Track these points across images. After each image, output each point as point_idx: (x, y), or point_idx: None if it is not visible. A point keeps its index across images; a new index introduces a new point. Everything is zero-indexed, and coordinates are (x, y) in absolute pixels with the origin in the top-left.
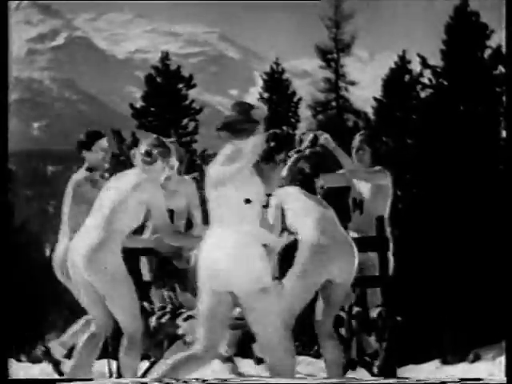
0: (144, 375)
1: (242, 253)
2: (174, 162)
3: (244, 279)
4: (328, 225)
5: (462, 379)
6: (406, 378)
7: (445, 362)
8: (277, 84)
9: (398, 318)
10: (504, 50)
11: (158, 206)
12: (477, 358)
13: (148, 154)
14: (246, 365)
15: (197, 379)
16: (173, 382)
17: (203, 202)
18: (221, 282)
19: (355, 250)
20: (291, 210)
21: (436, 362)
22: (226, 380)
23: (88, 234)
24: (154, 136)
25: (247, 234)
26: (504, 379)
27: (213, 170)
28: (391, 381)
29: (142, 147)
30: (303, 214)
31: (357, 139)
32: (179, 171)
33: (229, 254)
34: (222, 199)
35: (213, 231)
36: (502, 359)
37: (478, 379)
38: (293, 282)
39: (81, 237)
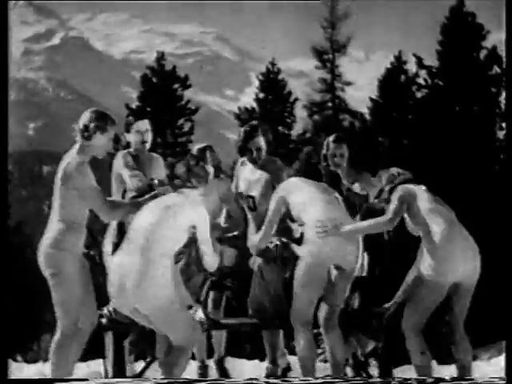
0: (140, 375)
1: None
2: (210, 168)
3: (474, 270)
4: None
5: (454, 378)
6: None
7: (441, 362)
8: (273, 84)
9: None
10: (504, 49)
11: (86, 190)
12: (473, 359)
13: (86, 127)
14: (239, 364)
15: (197, 380)
16: (171, 381)
17: None
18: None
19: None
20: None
21: (432, 362)
22: (224, 380)
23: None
24: (92, 109)
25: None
26: (504, 378)
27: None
28: (388, 381)
29: (80, 121)
30: (308, 203)
31: (331, 145)
32: (216, 175)
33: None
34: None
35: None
36: (498, 360)
37: (471, 379)
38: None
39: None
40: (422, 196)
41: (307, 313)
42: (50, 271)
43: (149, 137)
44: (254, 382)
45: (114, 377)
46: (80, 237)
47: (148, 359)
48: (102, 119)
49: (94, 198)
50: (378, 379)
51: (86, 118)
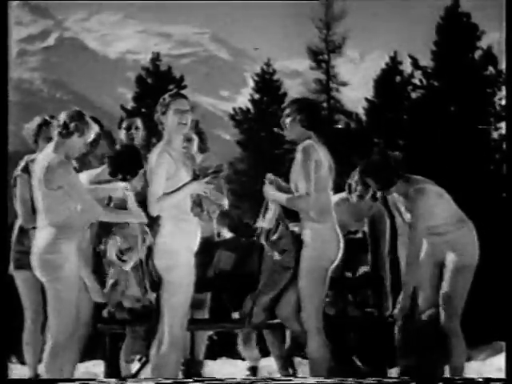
0: (135, 375)
1: None
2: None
3: None
4: None
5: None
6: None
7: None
8: (268, 85)
9: (390, 319)
10: (504, 49)
11: (74, 188)
12: (468, 359)
13: (65, 125)
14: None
15: (193, 379)
16: (169, 381)
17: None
18: None
19: None
20: None
21: None
22: (224, 380)
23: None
24: (75, 109)
25: None
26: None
27: None
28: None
29: (60, 118)
30: None
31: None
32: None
33: None
34: None
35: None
36: (494, 360)
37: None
38: None
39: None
40: None
41: (319, 314)
42: (47, 277)
43: (138, 135)
44: (262, 381)
45: (110, 378)
46: (73, 237)
47: (143, 360)
48: (83, 122)
49: (81, 194)
50: (371, 379)
51: (67, 115)
